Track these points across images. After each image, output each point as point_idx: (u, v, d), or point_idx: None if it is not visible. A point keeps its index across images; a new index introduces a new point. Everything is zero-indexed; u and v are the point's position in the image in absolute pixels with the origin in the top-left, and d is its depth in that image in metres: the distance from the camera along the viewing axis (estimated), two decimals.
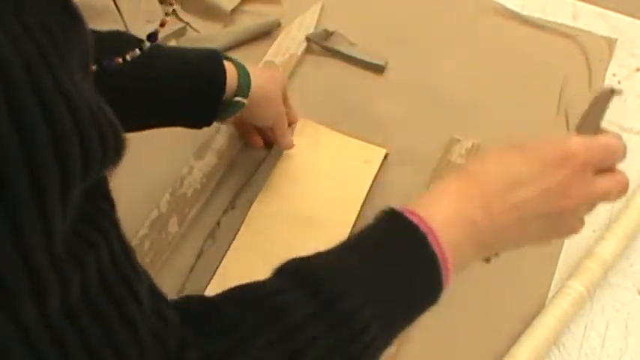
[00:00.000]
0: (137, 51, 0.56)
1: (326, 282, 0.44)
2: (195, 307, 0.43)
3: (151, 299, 0.39)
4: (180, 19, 0.96)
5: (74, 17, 0.34)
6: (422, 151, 0.86)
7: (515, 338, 0.71)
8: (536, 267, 0.78)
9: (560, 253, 0.79)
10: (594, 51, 0.95)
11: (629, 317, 0.75)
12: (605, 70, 0.94)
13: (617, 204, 0.82)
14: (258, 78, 0.75)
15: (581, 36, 0.97)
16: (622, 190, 0.54)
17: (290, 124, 0.84)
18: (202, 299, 0.45)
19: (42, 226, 0.31)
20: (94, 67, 0.55)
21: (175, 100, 0.70)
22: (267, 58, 0.93)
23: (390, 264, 0.47)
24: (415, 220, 0.48)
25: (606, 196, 0.54)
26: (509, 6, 1.00)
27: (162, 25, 0.56)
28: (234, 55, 0.76)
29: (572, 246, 0.79)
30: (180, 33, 0.94)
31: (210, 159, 0.84)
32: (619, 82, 0.93)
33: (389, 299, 0.46)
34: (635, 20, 0.99)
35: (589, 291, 0.74)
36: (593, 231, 0.80)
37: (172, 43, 0.92)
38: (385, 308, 0.45)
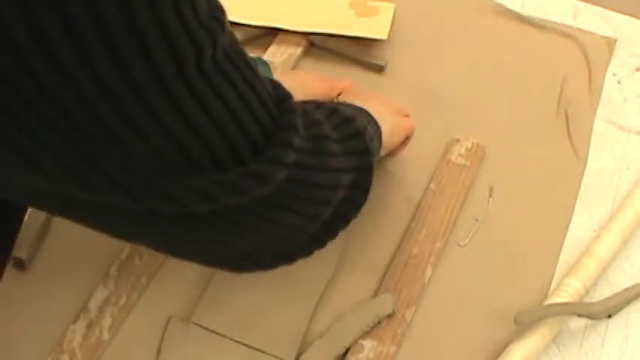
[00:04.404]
0: None
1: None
2: None
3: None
4: None
5: None
6: (422, 151, 0.86)
7: (514, 338, 0.71)
8: (535, 267, 0.78)
9: (560, 252, 0.79)
10: (594, 51, 0.95)
11: (629, 317, 0.75)
12: (605, 70, 0.94)
13: (617, 204, 0.82)
14: None
15: (581, 36, 0.97)
16: None
17: None
18: None
19: None
20: None
21: None
22: (266, 57, 0.92)
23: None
24: None
25: None
26: (509, 6, 1.00)
27: None
28: None
29: (572, 245, 0.79)
30: None
31: None
32: (619, 82, 0.93)
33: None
34: (635, 20, 0.99)
35: (586, 288, 0.74)
36: (594, 230, 0.80)
37: None
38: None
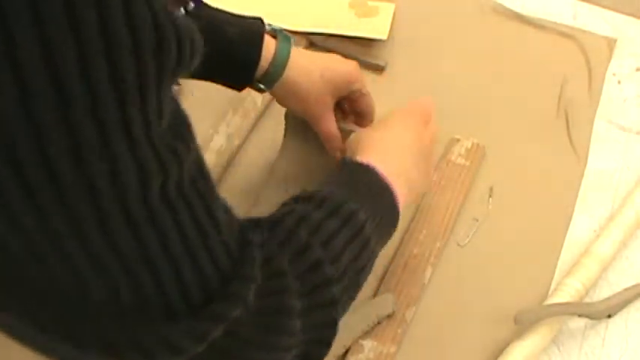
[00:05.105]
0: (182, 10, 0.61)
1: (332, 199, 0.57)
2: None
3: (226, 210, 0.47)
4: None
5: None
6: None
7: (514, 338, 0.71)
8: (535, 267, 0.78)
9: (560, 252, 0.79)
10: (594, 51, 0.95)
11: (629, 317, 0.75)
12: (605, 70, 0.94)
13: (617, 204, 0.82)
14: (294, 68, 0.71)
15: (581, 36, 0.97)
16: None
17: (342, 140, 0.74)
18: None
19: (142, 117, 0.36)
20: None
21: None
22: None
23: (365, 186, 0.61)
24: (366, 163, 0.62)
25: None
26: (509, 6, 1.00)
27: None
28: None
29: (572, 245, 0.79)
30: None
31: (208, 158, 0.83)
32: (619, 82, 0.93)
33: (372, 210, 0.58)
34: (635, 20, 0.99)
35: (586, 288, 0.74)
36: (594, 231, 0.80)
37: None
38: (372, 215, 0.58)
